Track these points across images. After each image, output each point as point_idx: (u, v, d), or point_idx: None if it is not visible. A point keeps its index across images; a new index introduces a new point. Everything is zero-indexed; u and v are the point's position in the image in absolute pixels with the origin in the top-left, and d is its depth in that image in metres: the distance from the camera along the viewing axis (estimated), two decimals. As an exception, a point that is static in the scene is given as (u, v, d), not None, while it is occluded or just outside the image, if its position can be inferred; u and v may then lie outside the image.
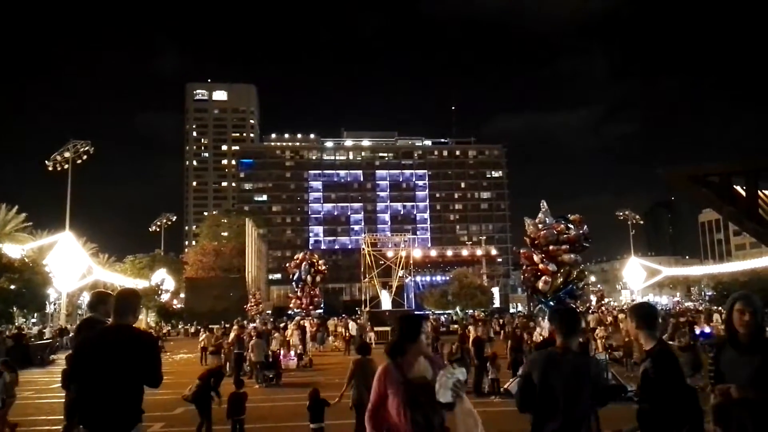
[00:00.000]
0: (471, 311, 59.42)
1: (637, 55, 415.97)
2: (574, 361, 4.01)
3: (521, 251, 17.22)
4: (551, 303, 15.23)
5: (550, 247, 15.08)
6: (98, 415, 4.13)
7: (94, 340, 4.43)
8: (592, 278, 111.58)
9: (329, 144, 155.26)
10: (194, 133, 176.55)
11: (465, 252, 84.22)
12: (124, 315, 4.42)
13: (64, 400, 9.86)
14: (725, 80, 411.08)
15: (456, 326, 36.86)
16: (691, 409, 4.15)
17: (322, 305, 32.89)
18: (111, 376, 4.13)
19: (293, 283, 30.84)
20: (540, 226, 15.51)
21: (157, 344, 4.67)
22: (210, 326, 31.63)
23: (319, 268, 31.10)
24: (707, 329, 24.12)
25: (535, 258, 15.25)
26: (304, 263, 30.43)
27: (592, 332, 23.72)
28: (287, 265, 34.22)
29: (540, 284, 14.97)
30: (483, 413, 4.48)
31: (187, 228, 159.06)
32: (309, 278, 29.96)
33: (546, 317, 17.45)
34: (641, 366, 4.14)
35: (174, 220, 74.15)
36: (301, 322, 31.67)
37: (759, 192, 14.14)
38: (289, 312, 70.01)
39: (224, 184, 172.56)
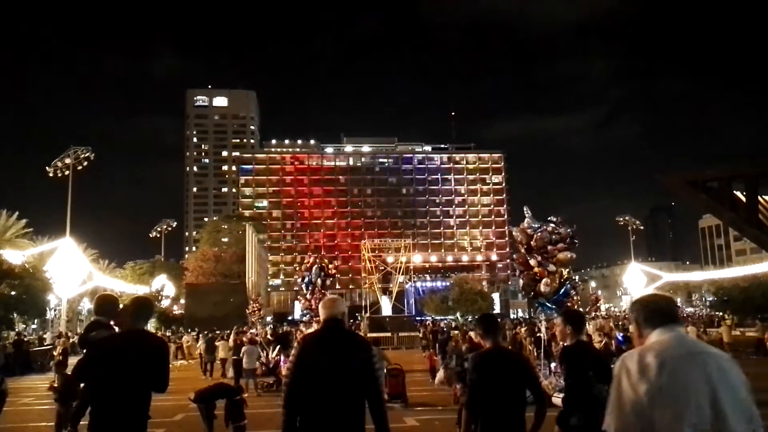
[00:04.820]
0: (471, 317, 59.36)
1: (638, 58, 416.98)
2: (507, 357, 4.61)
3: (514, 256, 17.28)
4: (551, 306, 15.24)
5: (548, 248, 15.09)
6: (108, 420, 4.15)
7: (111, 343, 4.51)
8: (593, 284, 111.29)
9: (329, 150, 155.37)
10: (195, 139, 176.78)
11: (465, 258, 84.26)
12: (140, 320, 4.58)
13: (61, 411, 9.87)
14: (727, 84, 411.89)
15: (456, 332, 36.98)
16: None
17: None
18: (124, 379, 4.18)
19: (303, 286, 31.03)
20: (529, 231, 15.54)
21: (168, 349, 4.77)
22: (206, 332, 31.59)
23: (329, 271, 31.48)
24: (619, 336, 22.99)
25: (531, 262, 15.24)
26: (315, 266, 30.65)
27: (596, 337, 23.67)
28: (299, 268, 34.50)
29: (542, 287, 14.95)
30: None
31: (187, 234, 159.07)
32: (319, 281, 30.18)
33: (543, 319, 17.49)
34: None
35: (174, 226, 74.04)
36: (303, 327, 31.64)
37: (759, 197, 14.15)
38: (290, 317, 70.10)
39: (224, 190, 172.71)
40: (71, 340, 31.22)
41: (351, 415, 3.70)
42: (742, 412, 2.55)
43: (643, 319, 2.86)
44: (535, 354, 20.03)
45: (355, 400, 3.72)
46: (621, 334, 22.80)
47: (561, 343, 5.51)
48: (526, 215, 16.11)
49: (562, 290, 14.97)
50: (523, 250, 15.51)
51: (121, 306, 5.70)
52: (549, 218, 15.98)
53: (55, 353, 25.74)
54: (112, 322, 5.63)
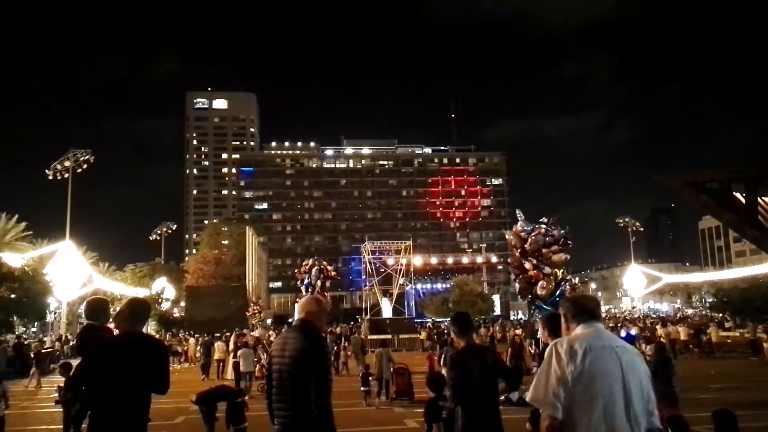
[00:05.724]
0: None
1: (639, 60, 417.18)
2: (480, 352, 5.13)
3: (509, 260, 17.34)
4: (548, 308, 15.25)
5: (543, 251, 15.12)
6: (108, 423, 4.16)
7: (110, 347, 4.52)
8: (593, 285, 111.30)
9: (329, 152, 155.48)
10: (194, 142, 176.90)
11: (465, 259, 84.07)
12: (137, 323, 4.59)
13: (63, 415, 9.87)
14: (727, 86, 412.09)
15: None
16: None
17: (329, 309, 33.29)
18: (124, 383, 4.19)
19: (303, 288, 30.88)
20: (523, 234, 15.56)
21: (167, 351, 4.79)
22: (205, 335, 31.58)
23: (329, 274, 31.43)
24: (633, 331, 23.21)
25: (526, 265, 15.27)
26: (314, 269, 30.62)
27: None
28: (296, 270, 34.26)
29: (538, 290, 14.98)
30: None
31: (187, 236, 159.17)
32: (318, 283, 30.15)
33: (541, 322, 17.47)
34: None
35: (174, 228, 74.04)
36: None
37: (758, 198, 14.17)
38: (290, 320, 70.02)
39: (224, 192, 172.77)
40: (71, 343, 31.25)
41: (301, 398, 4.18)
42: (643, 398, 3.13)
43: (570, 315, 3.38)
44: (533, 354, 20.17)
45: (306, 385, 4.20)
46: (627, 331, 22.85)
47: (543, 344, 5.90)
48: (519, 218, 16.11)
49: (559, 291, 15.00)
50: (517, 254, 15.51)
51: (113, 309, 5.72)
52: (541, 219, 16.00)
53: (31, 354, 25.91)
54: (112, 325, 5.63)
